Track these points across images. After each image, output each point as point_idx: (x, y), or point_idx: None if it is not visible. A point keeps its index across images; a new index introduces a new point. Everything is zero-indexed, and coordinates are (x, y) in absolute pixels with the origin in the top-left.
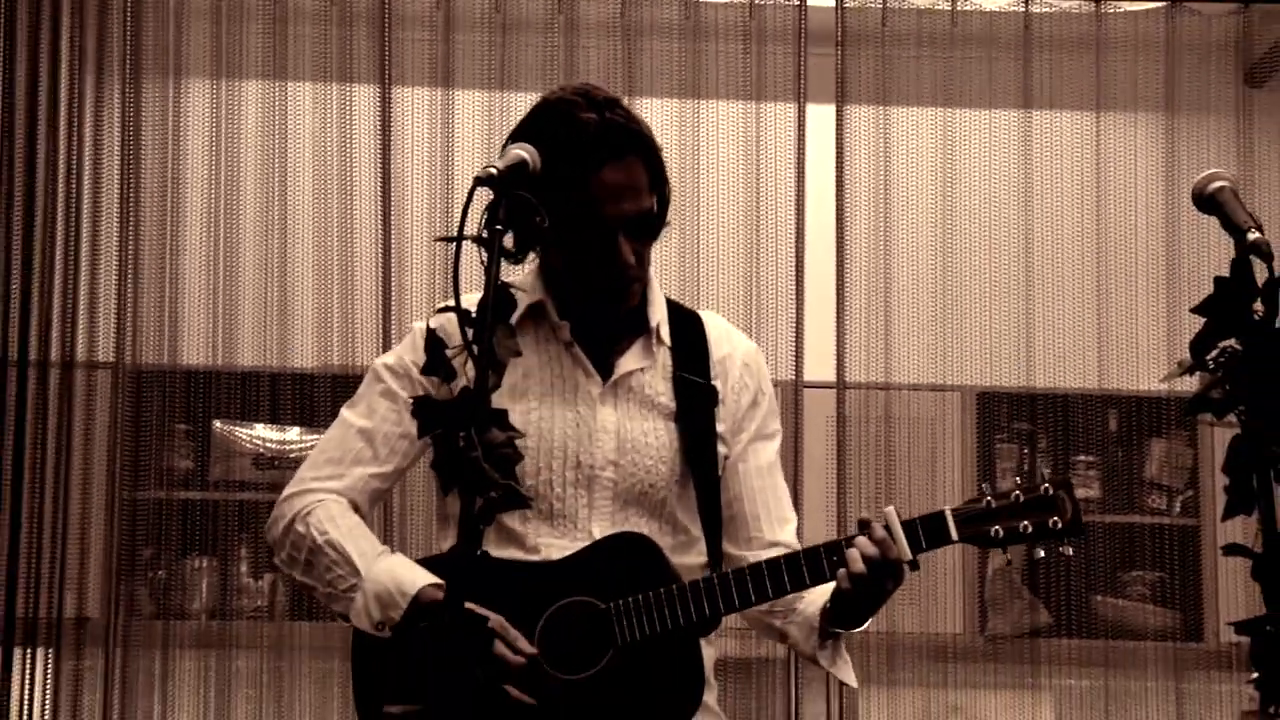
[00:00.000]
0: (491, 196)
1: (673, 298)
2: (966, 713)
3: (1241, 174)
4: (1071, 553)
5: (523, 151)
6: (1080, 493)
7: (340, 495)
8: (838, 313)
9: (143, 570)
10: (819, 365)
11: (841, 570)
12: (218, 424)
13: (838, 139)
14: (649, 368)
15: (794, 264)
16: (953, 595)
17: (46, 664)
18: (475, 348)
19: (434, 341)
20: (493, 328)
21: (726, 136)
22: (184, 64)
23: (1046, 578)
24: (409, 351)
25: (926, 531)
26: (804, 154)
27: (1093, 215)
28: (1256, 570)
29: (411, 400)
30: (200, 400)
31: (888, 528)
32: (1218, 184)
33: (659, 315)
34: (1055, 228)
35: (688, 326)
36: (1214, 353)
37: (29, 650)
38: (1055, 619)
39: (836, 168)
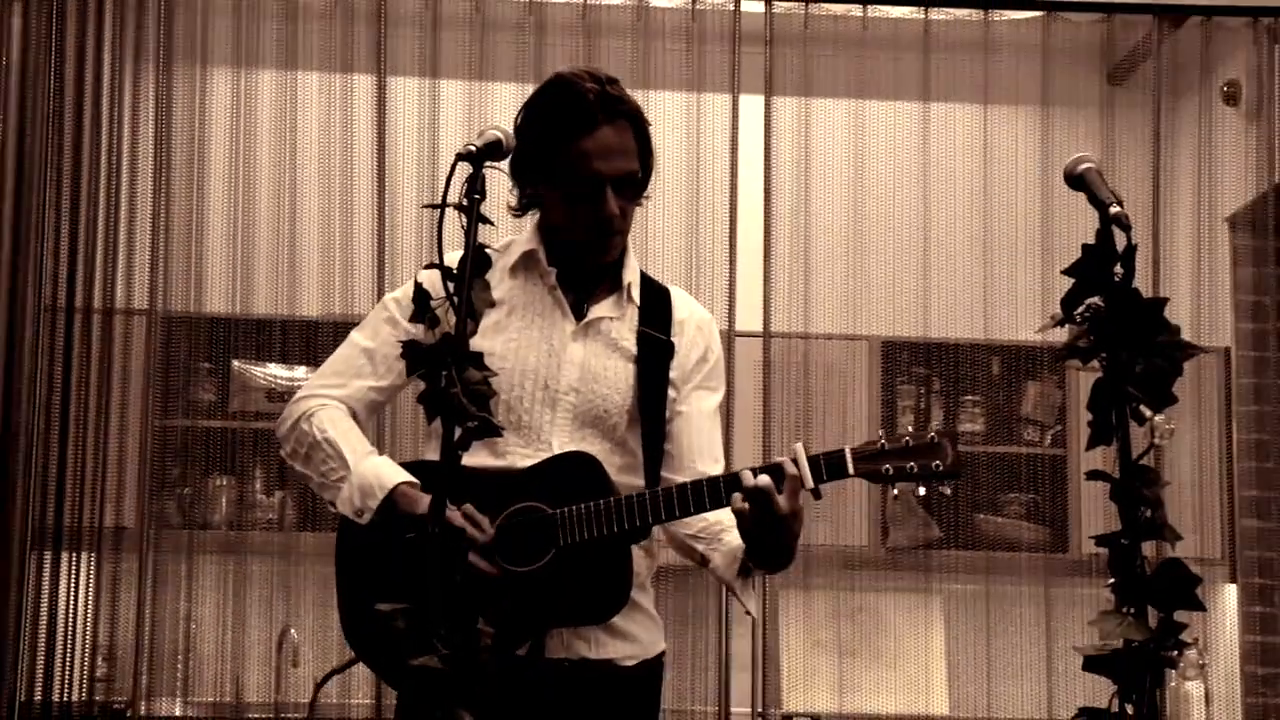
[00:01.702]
0: (470, 171)
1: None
2: (870, 612)
3: (1105, 157)
4: (949, 492)
5: (497, 132)
6: (966, 426)
7: (341, 402)
8: (764, 273)
9: (171, 487)
10: (749, 317)
11: (737, 493)
12: (236, 363)
13: (766, 125)
14: (618, 318)
15: (728, 231)
16: (859, 513)
17: (90, 566)
18: (455, 299)
19: (420, 294)
20: (471, 282)
21: (671, 123)
22: (209, 53)
23: (938, 498)
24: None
25: (828, 465)
26: (737, 138)
27: (980, 192)
28: (1114, 492)
29: (401, 343)
30: (221, 343)
31: (795, 460)
32: (1085, 166)
33: (631, 276)
34: (949, 202)
35: (656, 294)
36: (1081, 309)
37: (74, 554)
38: (945, 534)
39: (764, 150)
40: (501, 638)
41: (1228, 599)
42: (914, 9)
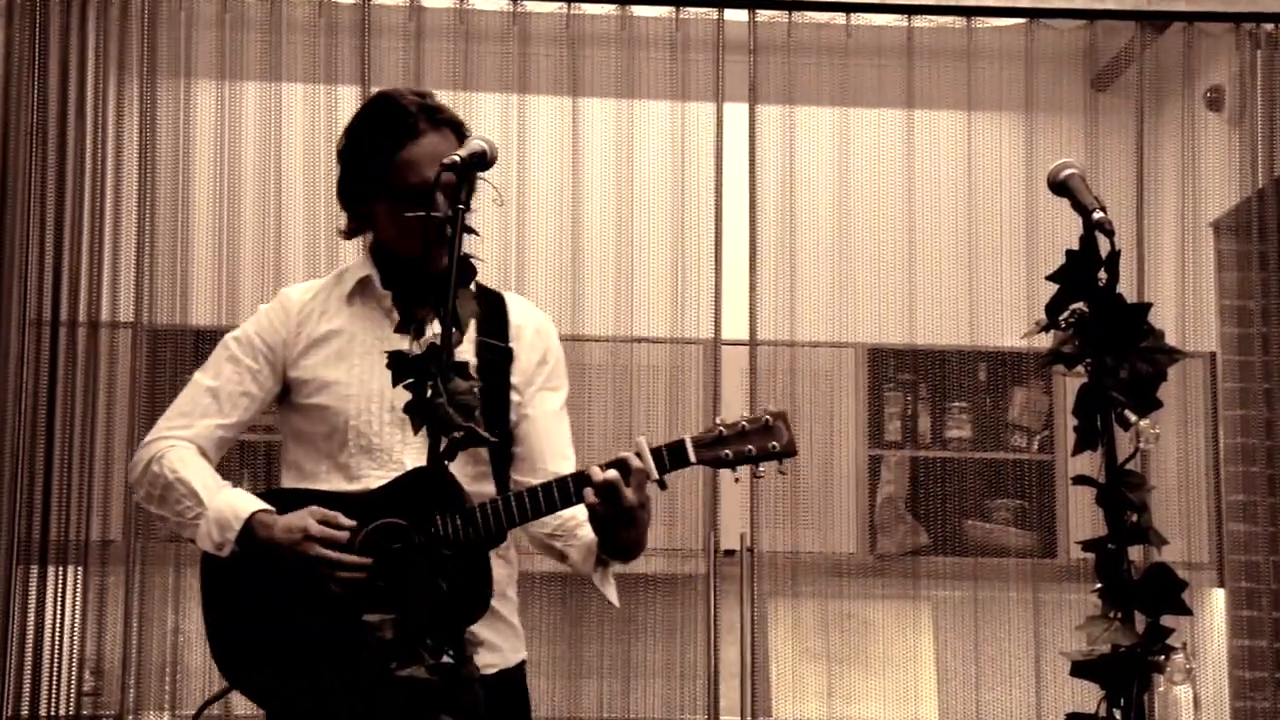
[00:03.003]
0: (454, 181)
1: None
2: (858, 620)
3: (1088, 163)
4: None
5: (482, 142)
6: (954, 433)
7: (190, 442)
8: (750, 280)
9: None
10: (735, 325)
11: (588, 489)
12: None
13: (750, 133)
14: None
15: (713, 239)
16: (847, 520)
17: (77, 580)
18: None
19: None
20: (456, 292)
21: (656, 131)
22: (193, 66)
23: (927, 505)
24: (252, 325)
25: (670, 455)
26: (722, 146)
27: (965, 198)
28: (1100, 497)
29: (388, 354)
30: (207, 354)
31: (639, 454)
32: (1068, 172)
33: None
34: (934, 208)
35: (492, 302)
36: (1066, 314)
37: (61, 568)
38: (933, 540)
39: (749, 158)
40: (373, 654)
41: (1216, 603)
42: (897, 17)
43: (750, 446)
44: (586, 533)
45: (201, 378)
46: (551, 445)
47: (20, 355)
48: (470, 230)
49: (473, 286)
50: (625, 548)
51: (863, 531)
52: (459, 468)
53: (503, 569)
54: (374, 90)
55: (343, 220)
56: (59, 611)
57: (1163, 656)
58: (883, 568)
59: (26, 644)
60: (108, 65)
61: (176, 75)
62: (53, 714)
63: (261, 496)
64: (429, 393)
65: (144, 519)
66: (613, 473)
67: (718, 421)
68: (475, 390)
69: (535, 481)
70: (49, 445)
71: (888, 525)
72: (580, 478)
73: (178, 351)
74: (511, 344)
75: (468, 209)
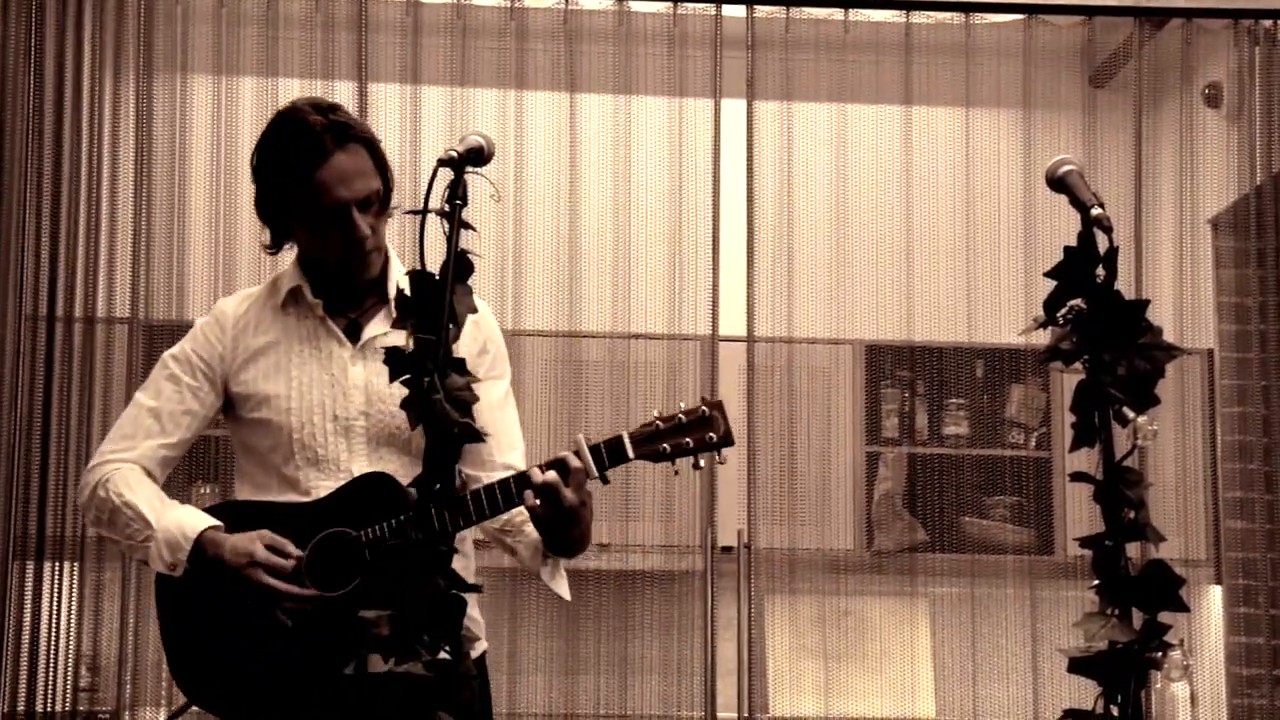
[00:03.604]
0: (452, 176)
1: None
2: (856, 616)
3: (1086, 160)
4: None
5: (479, 137)
6: (951, 430)
7: (134, 463)
8: (748, 277)
9: None
10: (732, 322)
11: (528, 491)
12: None
13: (748, 129)
14: (392, 331)
15: (711, 236)
16: (844, 517)
17: (73, 575)
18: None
19: (403, 299)
20: (453, 288)
21: (654, 127)
22: (189, 62)
23: (924, 502)
24: (189, 342)
25: (609, 452)
26: (719, 142)
27: (963, 195)
28: (1098, 494)
29: (385, 349)
30: None
31: (578, 452)
32: (1066, 168)
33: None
34: (932, 205)
35: None
36: (1063, 311)
37: (57, 564)
38: (930, 537)
39: (747, 154)
40: (325, 664)
41: (1213, 600)
42: (895, 13)
43: (687, 439)
44: (532, 529)
45: (142, 398)
46: (497, 436)
47: (16, 350)
48: (467, 226)
49: (404, 274)
50: (569, 545)
51: (860, 528)
52: (408, 470)
53: (458, 561)
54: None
55: (266, 235)
56: (55, 608)
57: (1160, 653)
58: (880, 564)
59: (23, 640)
60: (104, 60)
61: (173, 70)
62: (49, 710)
63: (214, 510)
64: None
65: None
66: (551, 474)
67: (655, 415)
68: (471, 386)
69: (483, 474)
70: (45, 441)
71: (885, 522)
72: (521, 479)
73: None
74: None
75: (465, 203)
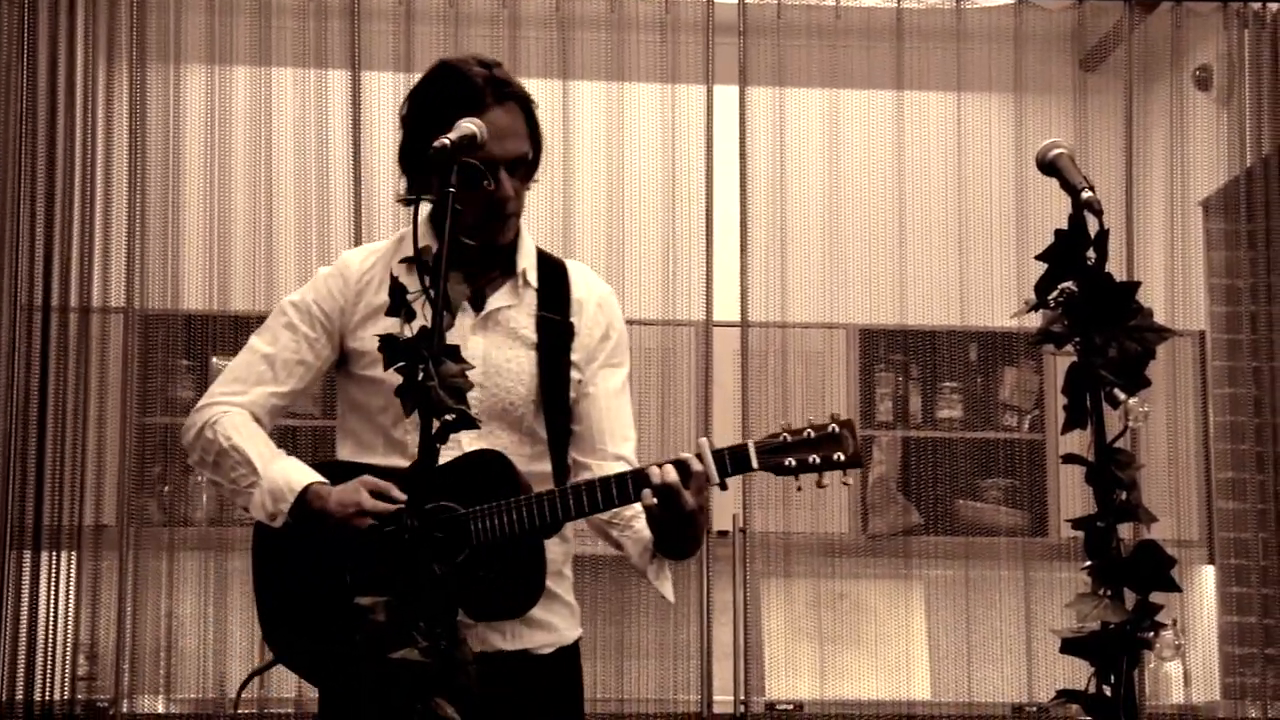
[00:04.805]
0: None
1: (547, 248)
2: (851, 599)
3: (1077, 143)
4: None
5: (472, 125)
6: (945, 413)
7: (244, 408)
8: (741, 262)
9: (151, 485)
10: (726, 306)
11: (646, 490)
12: (215, 359)
13: (740, 115)
14: (516, 305)
15: (704, 221)
16: (839, 500)
17: (70, 565)
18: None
19: (396, 287)
20: (447, 275)
21: (647, 113)
22: (182, 51)
23: (918, 485)
24: (310, 291)
25: (732, 460)
26: (712, 128)
27: (955, 179)
28: (1090, 476)
29: (379, 337)
30: (200, 339)
31: (700, 456)
32: (1057, 151)
33: (526, 261)
34: (924, 189)
35: (553, 272)
36: (1055, 293)
37: (55, 553)
38: (925, 520)
39: (740, 139)
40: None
41: (1206, 580)
42: None
43: (814, 455)
44: (642, 525)
45: (258, 343)
46: (612, 425)
47: (11, 340)
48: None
49: (534, 253)
50: (681, 547)
51: (855, 512)
52: (515, 448)
53: (559, 548)
54: (410, 74)
55: (402, 185)
56: (53, 597)
57: (1152, 633)
58: (875, 548)
59: (20, 629)
60: (97, 50)
61: (166, 60)
62: (47, 699)
63: (315, 468)
64: (420, 375)
65: (136, 504)
66: (673, 476)
67: (782, 426)
68: (466, 373)
69: (593, 462)
70: (41, 430)
71: (879, 505)
72: (639, 477)
73: (169, 336)
74: (573, 319)
75: (457, 191)
